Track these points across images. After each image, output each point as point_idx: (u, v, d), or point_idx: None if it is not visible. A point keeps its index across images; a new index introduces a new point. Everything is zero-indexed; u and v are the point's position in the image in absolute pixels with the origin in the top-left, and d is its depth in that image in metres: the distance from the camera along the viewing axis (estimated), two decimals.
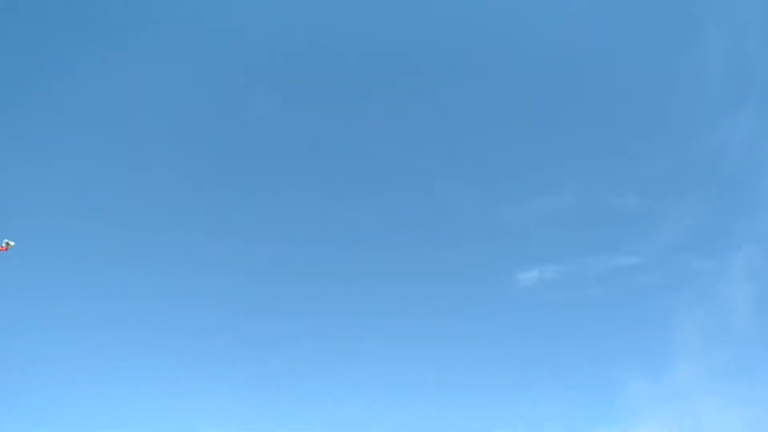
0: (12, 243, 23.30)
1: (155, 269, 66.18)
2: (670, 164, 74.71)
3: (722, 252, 66.73)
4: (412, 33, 72.15)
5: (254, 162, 74.58)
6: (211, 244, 69.79)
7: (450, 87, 75.64)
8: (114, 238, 64.22)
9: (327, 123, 76.10)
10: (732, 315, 58.70)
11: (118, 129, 67.63)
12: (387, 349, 74.62)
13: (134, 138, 68.35)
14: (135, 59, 65.11)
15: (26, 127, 61.34)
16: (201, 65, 70.18)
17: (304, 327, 71.84)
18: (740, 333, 56.85)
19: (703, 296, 61.99)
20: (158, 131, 69.77)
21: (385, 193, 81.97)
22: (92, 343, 57.69)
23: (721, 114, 73.45)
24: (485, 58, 74.01)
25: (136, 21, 63.41)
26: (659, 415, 52.50)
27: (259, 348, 66.88)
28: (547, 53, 73.95)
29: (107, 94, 66.85)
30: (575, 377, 69.37)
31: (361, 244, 79.56)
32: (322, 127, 76.28)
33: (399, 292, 78.44)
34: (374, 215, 78.17)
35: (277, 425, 60.81)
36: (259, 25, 70.35)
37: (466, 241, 79.23)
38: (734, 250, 64.44)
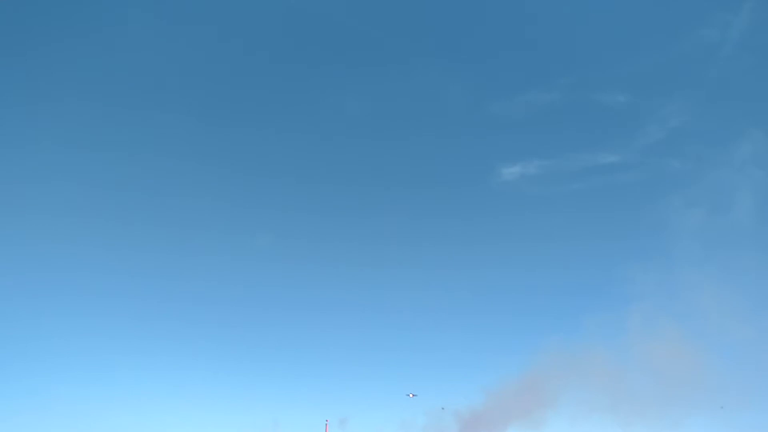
0: None
1: None
2: (661, 61, 71.25)
3: (720, 144, 63.61)
4: None
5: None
6: None
7: None
8: None
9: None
10: (733, 209, 56.61)
11: None
12: (369, 232, 73.53)
13: None
14: None
15: None
16: None
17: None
18: (741, 229, 55.11)
19: (698, 194, 60.42)
20: None
21: (371, 75, 77.99)
22: None
23: (717, 8, 68.66)
24: None
25: None
26: (650, 304, 52.39)
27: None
28: None
29: None
30: (557, 269, 69.19)
31: (347, 131, 76.66)
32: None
33: (382, 182, 76.47)
34: (360, 99, 75.31)
35: None
36: None
37: (453, 132, 77.03)
38: (737, 138, 61.46)
